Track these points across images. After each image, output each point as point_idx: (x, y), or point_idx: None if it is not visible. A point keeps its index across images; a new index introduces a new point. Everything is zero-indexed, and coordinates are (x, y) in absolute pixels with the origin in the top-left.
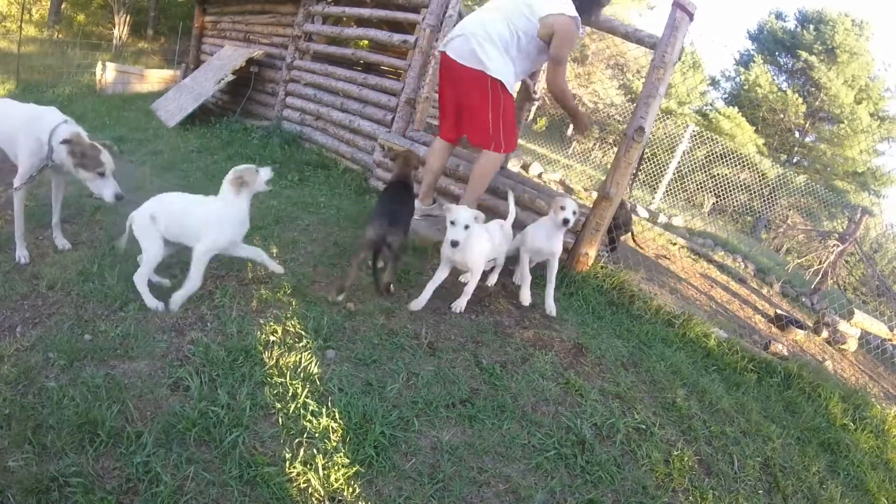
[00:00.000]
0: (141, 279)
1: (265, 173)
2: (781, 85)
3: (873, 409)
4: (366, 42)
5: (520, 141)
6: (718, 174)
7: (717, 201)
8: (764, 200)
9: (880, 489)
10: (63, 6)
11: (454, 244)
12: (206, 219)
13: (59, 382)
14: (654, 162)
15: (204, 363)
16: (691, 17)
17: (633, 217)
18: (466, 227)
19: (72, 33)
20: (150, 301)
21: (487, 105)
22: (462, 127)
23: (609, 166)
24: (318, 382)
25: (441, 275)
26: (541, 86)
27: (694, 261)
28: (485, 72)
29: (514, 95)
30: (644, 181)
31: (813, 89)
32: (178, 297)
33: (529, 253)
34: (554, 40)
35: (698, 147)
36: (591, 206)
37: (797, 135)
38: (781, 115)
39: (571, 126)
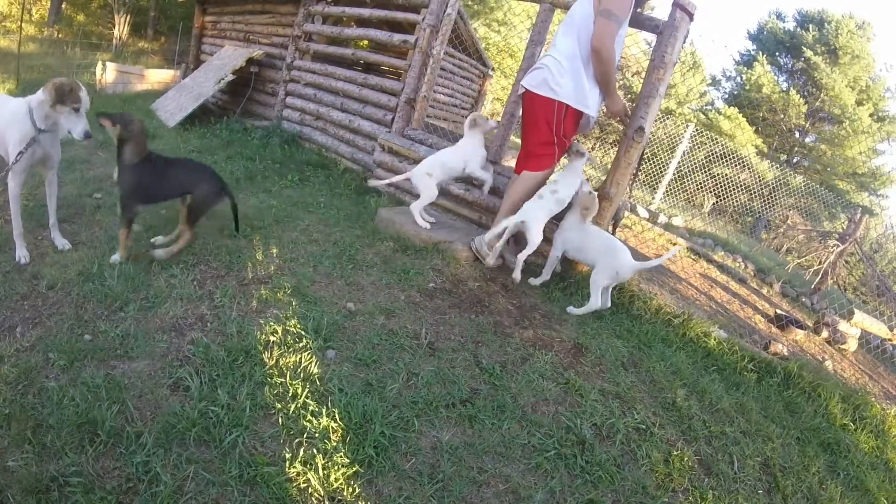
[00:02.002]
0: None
1: None
2: (782, 85)
3: (873, 409)
4: (366, 42)
5: (518, 140)
6: (718, 174)
7: (717, 201)
8: (764, 200)
9: (880, 489)
10: (63, 6)
11: None
12: None
13: (59, 382)
14: (654, 162)
15: (204, 363)
16: (691, 17)
17: (633, 217)
18: None
19: (72, 33)
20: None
21: (552, 131)
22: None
23: (609, 166)
24: (318, 382)
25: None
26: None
27: (694, 261)
28: (553, 98)
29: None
30: (644, 181)
31: (813, 90)
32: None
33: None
34: None
35: (698, 147)
36: None
37: (797, 135)
38: (782, 116)
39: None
